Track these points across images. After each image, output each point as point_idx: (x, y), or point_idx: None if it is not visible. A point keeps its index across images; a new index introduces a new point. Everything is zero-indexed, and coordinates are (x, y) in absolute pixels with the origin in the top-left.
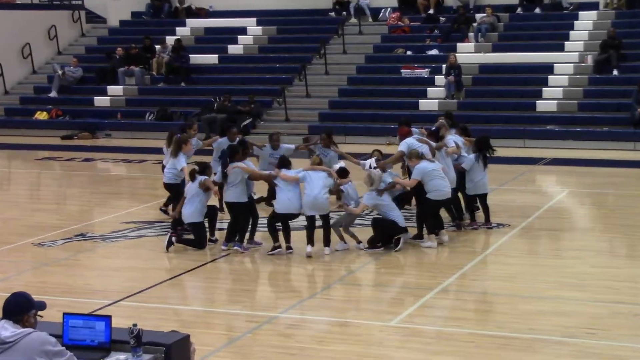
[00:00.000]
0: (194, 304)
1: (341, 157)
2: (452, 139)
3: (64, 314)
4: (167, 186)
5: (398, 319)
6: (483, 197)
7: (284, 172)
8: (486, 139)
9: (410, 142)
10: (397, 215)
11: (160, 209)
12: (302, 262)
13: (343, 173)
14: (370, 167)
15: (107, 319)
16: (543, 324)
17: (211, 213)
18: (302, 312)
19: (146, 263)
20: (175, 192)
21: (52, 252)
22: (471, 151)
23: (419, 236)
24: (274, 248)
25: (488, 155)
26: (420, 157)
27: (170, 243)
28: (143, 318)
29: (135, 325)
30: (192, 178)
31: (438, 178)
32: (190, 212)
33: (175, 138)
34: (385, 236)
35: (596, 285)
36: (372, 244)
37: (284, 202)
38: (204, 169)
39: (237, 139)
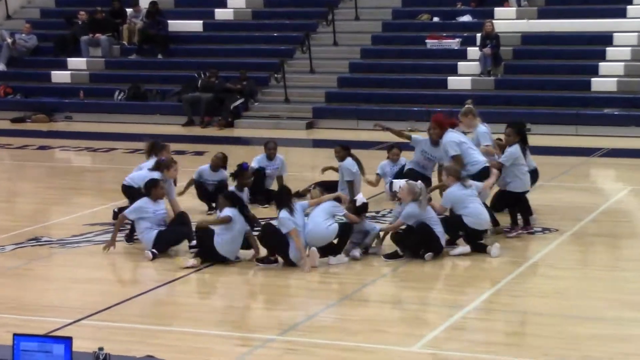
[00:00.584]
0: (173, 324)
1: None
2: (484, 131)
3: (15, 335)
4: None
5: (421, 343)
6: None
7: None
8: (521, 123)
9: (462, 147)
10: (440, 232)
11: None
12: (303, 274)
13: (363, 209)
14: (399, 187)
15: (67, 341)
16: (598, 351)
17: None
18: (305, 334)
19: (114, 274)
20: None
21: (0, 260)
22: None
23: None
24: (269, 261)
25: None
26: (459, 177)
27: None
28: (111, 340)
29: (101, 349)
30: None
31: (475, 203)
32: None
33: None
34: (420, 247)
35: None
36: (393, 254)
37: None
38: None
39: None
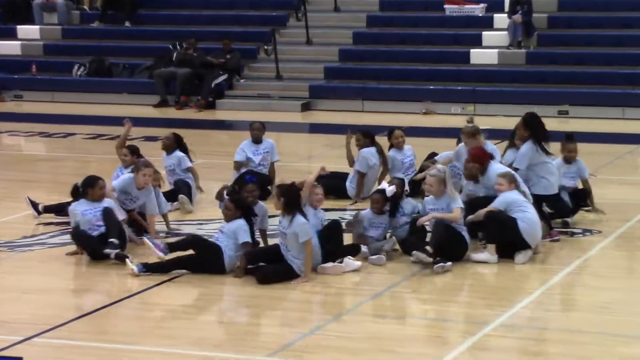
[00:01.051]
0: (142, 342)
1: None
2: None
3: None
4: None
5: None
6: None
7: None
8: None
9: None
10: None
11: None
12: (296, 285)
13: (394, 198)
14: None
15: None
16: None
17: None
18: (299, 355)
19: (73, 283)
20: None
21: None
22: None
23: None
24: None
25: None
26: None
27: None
28: None
29: None
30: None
31: (533, 212)
32: None
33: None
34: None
35: None
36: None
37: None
38: None
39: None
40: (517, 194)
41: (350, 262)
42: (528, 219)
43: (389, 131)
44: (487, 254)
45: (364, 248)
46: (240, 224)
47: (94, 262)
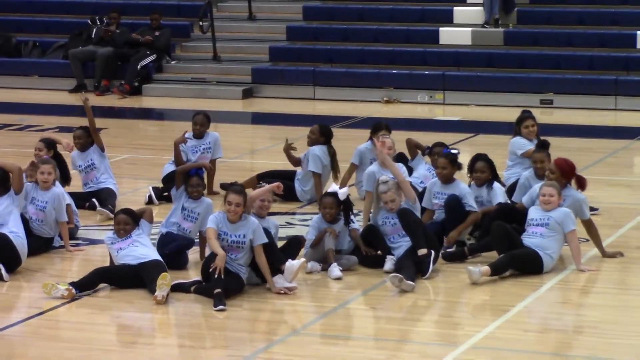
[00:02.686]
0: None
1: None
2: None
3: None
4: None
5: None
6: None
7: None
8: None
9: None
10: None
11: None
12: (240, 301)
13: (348, 204)
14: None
15: None
16: None
17: None
18: (288, 350)
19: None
20: None
21: None
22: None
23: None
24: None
25: None
26: None
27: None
28: None
29: None
30: None
31: None
32: None
33: None
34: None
35: None
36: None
37: None
38: None
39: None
40: None
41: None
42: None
43: (375, 126)
44: (477, 269)
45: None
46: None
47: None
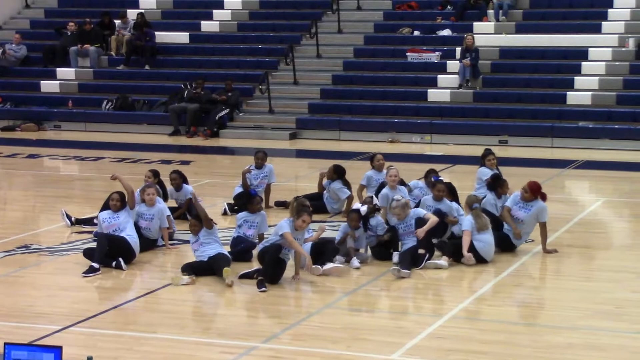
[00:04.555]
0: (160, 331)
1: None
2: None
3: (5, 344)
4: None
5: (401, 352)
6: None
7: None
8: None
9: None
10: None
11: None
12: (287, 284)
13: (366, 217)
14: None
15: (57, 350)
16: (572, 358)
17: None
18: (288, 342)
19: (102, 281)
20: None
21: None
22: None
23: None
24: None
25: None
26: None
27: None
28: (99, 348)
29: (90, 358)
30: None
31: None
32: None
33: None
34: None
35: (636, 314)
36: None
37: None
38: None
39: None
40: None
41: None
42: (484, 241)
43: (372, 155)
44: (443, 261)
45: (354, 260)
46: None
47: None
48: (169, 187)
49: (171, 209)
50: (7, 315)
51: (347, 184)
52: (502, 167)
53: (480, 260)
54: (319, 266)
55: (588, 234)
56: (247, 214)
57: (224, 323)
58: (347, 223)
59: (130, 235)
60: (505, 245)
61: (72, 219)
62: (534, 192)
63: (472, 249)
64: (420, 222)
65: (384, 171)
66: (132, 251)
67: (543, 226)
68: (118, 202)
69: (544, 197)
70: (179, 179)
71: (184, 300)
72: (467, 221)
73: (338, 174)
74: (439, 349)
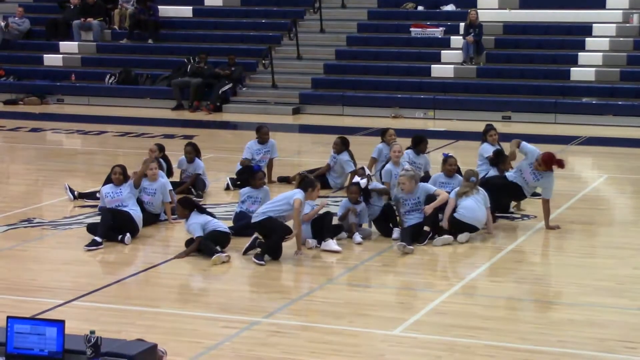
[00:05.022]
0: (162, 306)
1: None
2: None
3: (8, 317)
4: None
5: (403, 327)
6: None
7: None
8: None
9: None
10: None
11: None
12: (289, 259)
13: (367, 191)
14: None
15: (60, 324)
16: (574, 335)
17: None
18: (290, 317)
19: (105, 255)
20: None
21: None
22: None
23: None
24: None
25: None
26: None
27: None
28: (102, 322)
29: (92, 332)
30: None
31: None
32: None
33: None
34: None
35: (638, 291)
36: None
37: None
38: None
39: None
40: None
41: (332, 243)
42: (465, 207)
43: (383, 130)
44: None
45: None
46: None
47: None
48: (180, 158)
49: (174, 183)
50: (9, 289)
51: (352, 157)
52: (505, 144)
53: (465, 227)
54: (315, 240)
55: (591, 210)
56: (251, 189)
57: (226, 298)
58: (347, 198)
59: (133, 210)
60: (517, 194)
61: (75, 193)
62: (546, 163)
63: (452, 218)
64: (430, 198)
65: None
66: (136, 225)
67: (546, 202)
68: (121, 175)
69: (560, 165)
70: (194, 152)
71: (186, 275)
72: (453, 191)
73: (345, 145)
74: (441, 325)
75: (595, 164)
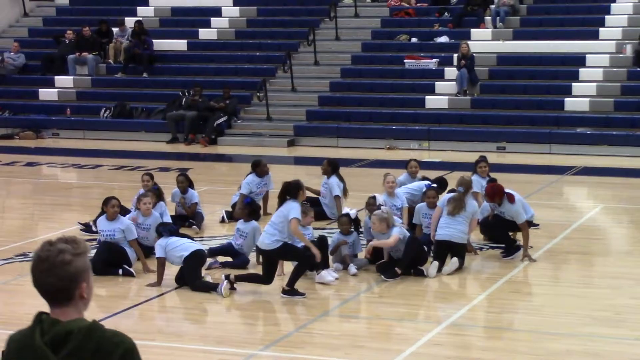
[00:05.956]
0: (158, 339)
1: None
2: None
3: (4, 352)
4: None
5: (400, 359)
6: None
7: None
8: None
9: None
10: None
11: None
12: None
13: (357, 222)
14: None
15: None
16: None
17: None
18: (286, 349)
19: (101, 289)
20: None
21: None
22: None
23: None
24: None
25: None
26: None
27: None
28: None
29: None
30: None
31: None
32: None
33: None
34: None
35: (636, 321)
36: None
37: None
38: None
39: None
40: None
41: (326, 274)
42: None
43: (408, 161)
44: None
45: (352, 268)
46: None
47: (118, 273)
48: (174, 190)
49: (173, 217)
50: (5, 323)
51: (342, 180)
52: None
53: (445, 247)
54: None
55: (587, 240)
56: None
57: (222, 330)
58: (339, 230)
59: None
60: (509, 225)
61: (90, 223)
62: (490, 196)
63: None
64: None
65: (418, 176)
66: (129, 260)
67: (522, 227)
68: (118, 208)
69: (510, 198)
70: (186, 182)
71: (181, 308)
72: (441, 201)
73: (333, 166)
74: (438, 356)
75: (591, 194)
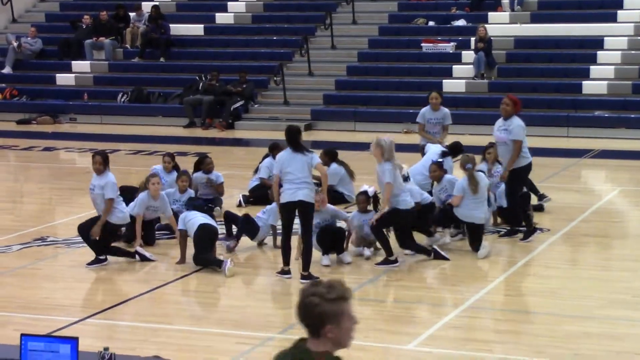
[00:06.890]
0: (176, 322)
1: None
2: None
3: (22, 335)
4: None
5: (417, 342)
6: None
7: None
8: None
9: None
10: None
11: None
12: (299, 274)
13: (376, 199)
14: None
15: (74, 341)
16: (589, 348)
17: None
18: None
19: (119, 273)
20: None
21: (6, 260)
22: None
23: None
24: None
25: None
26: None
27: None
28: (116, 339)
29: (106, 349)
30: None
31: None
32: None
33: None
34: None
35: None
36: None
37: None
38: None
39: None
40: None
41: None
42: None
43: (430, 93)
44: (446, 238)
45: (366, 251)
46: None
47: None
48: (194, 174)
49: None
50: (24, 307)
51: (342, 164)
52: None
53: (471, 227)
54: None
55: (605, 223)
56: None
57: (240, 314)
58: (356, 211)
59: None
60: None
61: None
62: (516, 104)
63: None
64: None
65: (441, 109)
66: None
67: (515, 144)
68: (101, 165)
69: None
70: (172, 163)
71: (199, 292)
72: (459, 185)
73: (329, 155)
74: (456, 339)
75: (609, 177)
